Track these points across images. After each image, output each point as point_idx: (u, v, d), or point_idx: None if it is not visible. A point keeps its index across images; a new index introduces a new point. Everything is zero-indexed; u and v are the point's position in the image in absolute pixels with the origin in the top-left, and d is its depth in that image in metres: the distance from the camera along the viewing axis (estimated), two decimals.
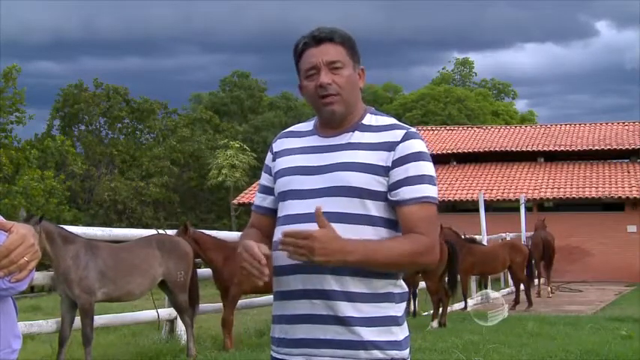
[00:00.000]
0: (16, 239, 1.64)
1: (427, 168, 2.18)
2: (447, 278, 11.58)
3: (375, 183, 2.15)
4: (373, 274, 2.12)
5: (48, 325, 6.73)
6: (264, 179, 2.37)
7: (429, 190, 2.16)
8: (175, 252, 7.17)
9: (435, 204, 2.18)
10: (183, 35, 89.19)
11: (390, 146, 2.17)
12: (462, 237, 13.81)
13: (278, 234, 2.22)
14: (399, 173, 2.15)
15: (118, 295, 6.80)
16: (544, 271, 17.59)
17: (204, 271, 8.69)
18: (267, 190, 2.34)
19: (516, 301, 15.34)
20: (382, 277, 2.14)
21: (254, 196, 2.46)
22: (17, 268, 1.66)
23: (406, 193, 2.14)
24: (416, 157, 2.17)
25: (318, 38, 2.19)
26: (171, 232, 8.46)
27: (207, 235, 8.32)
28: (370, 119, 2.25)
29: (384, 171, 2.16)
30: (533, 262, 15.18)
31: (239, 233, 9.91)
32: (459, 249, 13.14)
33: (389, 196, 2.16)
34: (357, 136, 2.21)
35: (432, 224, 2.16)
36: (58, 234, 6.28)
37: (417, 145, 2.18)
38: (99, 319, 7.36)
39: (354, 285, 2.11)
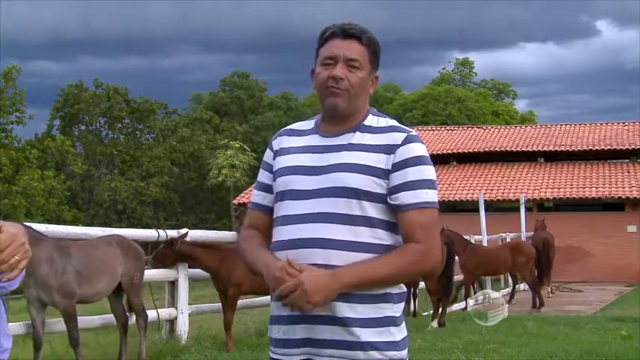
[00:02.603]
0: (6, 238, 1.63)
1: (427, 172, 2.18)
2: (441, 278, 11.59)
3: (374, 185, 2.15)
4: None
5: (47, 324, 6.68)
6: (264, 177, 2.34)
7: (429, 195, 2.16)
8: (132, 253, 6.98)
9: (435, 208, 2.18)
10: (183, 35, 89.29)
11: (389, 149, 2.17)
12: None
13: (277, 234, 2.22)
14: (398, 177, 2.15)
15: (89, 294, 6.55)
16: (544, 271, 17.57)
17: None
18: (268, 188, 2.33)
19: (512, 297, 15.40)
20: None
21: None
22: (8, 268, 1.64)
23: (405, 198, 2.14)
24: (416, 161, 2.17)
25: (348, 33, 2.20)
26: (172, 231, 8.46)
27: (196, 245, 8.22)
28: (371, 120, 2.26)
29: (383, 173, 2.16)
30: (542, 262, 15.07)
31: (234, 233, 9.91)
32: (463, 249, 13.14)
33: (388, 200, 2.16)
34: (358, 137, 2.21)
35: (430, 230, 2.16)
36: (29, 234, 6.00)
37: (417, 149, 2.18)
38: (99, 319, 7.34)
39: None
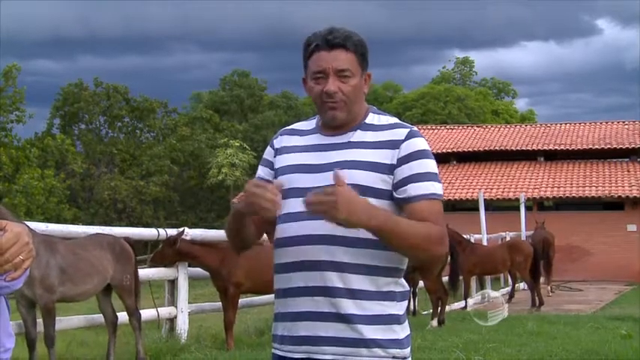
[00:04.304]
0: (10, 237, 1.63)
1: (431, 165, 2.20)
2: (448, 277, 11.58)
3: (379, 181, 2.16)
4: (376, 272, 2.13)
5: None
6: (265, 173, 2.34)
7: (435, 187, 2.18)
8: (123, 255, 6.95)
9: (441, 200, 2.20)
10: (183, 34, 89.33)
11: (394, 144, 2.18)
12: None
13: (280, 232, 2.23)
14: (404, 171, 2.16)
15: (72, 294, 6.48)
16: (544, 270, 17.60)
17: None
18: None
19: (511, 296, 15.43)
20: (385, 275, 2.16)
21: None
22: (12, 267, 1.64)
23: (413, 190, 2.15)
24: (420, 154, 2.18)
25: (332, 43, 2.19)
26: (172, 230, 8.45)
27: (196, 243, 8.22)
28: (372, 118, 2.27)
29: (388, 169, 2.17)
30: (540, 261, 15.03)
31: None
32: (463, 249, 13.15)
33: (394, 194, 2.17)
34: (360, 135, 2.22)
35: (440, 218, 2.18)
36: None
37: (420, 144, 2.20)
38: (99, 318, 7.34)
39: (357, 282, 2.11)
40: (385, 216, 2.05)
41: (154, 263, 8.19)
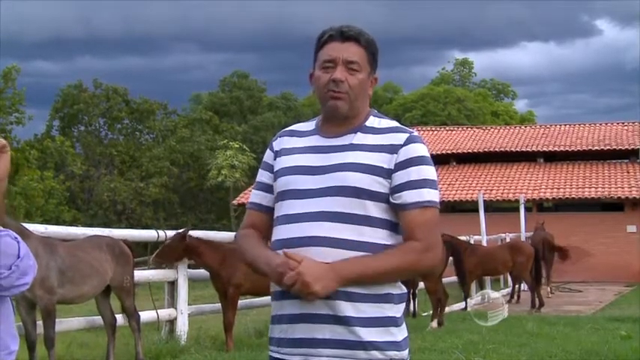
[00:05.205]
0: None
1: (429, 172, 2.20)
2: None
3: (376, 184, 2.17)
4: None
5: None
6: (265, 177, 2.35)
7: (430, 195, 2.18)
8: (122, 257, 6.95)
9: (436, 208, 2.20)
10: (183, 34, 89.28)
11: (392, 149, 2.19)
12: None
13: (278, 233, 2.23)
14: (401, 177, 2.17)
15: (72, 296, 6.47)
16: (544, 271, 17.57)
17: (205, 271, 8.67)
18: (268, 189, 2.33)
19: (512, 297, 15.41)
20: None
21: None
22: None
23: (408, 197, 2.16)
24: (418, 161, 2.19)
25: (346, 35, 2.23)
26: (171, 232, 8.45)
27: (202, 241, 8.25)
28: (373, 121, 2.27)
29: (385, 173, 2.17)
30: (541, 262, 14.99)
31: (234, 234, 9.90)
32: (464, 250, 13.17)
33: (391, 199, 2.18)
34: (360, 138, 2.23)
35: (431, 228, 2.18)
36: (14, 227, 5.58)
37: (419, 149, 2.21)
38: (99, 320, 7.35)
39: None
40: (357, 265, 2.09)
41: (161, 259, 8.16)
